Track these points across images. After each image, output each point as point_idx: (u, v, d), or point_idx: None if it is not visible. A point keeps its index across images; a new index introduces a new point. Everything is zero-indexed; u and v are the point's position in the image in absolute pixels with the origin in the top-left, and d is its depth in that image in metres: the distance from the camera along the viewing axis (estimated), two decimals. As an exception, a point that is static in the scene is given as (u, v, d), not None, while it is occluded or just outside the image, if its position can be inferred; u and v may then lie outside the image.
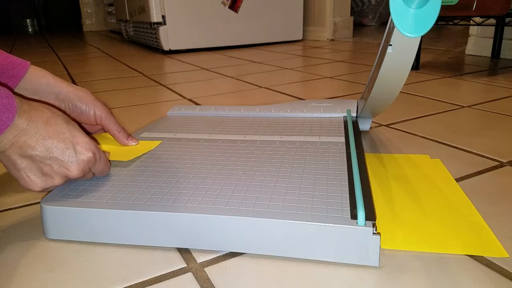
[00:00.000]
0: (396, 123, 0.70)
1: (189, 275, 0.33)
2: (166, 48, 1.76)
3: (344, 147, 0.49)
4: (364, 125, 0.67)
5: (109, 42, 2.45)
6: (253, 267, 0.33)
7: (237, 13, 1.85)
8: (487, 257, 0.34)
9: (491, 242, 0.36)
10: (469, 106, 0.79)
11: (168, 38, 1.75)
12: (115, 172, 0.44)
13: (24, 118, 0.35)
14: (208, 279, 0.32)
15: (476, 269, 0.32)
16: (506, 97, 0.85)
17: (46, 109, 0.38)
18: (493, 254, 0.34)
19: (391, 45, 0.43)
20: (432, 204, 0.42)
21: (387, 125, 0.69)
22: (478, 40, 1.39)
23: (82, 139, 0.38)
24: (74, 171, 0.38)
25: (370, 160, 0.54)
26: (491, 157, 0.54)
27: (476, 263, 0.33)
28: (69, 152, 0.37)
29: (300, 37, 2.05)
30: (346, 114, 0.63)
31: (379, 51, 0.50)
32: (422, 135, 0.63)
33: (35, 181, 0.37)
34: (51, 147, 0.36)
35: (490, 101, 0.82)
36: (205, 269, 0.34)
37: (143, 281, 0.32)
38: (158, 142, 0.53)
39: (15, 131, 0.35)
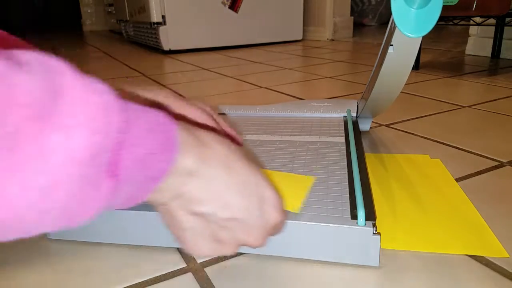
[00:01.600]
0: (396, 123, 0.70)
1: (189, 275, 0.33)
2: (166, 48, 1.75)
3: (344, 147, 0.49)
4: (364, 125, 0.66)
5: (109, 42, 2.45)
6: (253, 267, 0.33)
7: (237, 13, 1.85)
8: (487, 257, 0.34)
9: (491, 242, 0.36)
10: (469, 106, 0.79)
11: (168, 38, 1.74)
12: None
13: (192, 157, 0.24)
14: (208, 279, 0.32)
15: (476, 269, 0.32)
16: (506, 97, 0.85)
17: (219, 142, 0.26)
18: (493, 254, 0.34)
19: (392, 45, 0.43)
20: (432, 204, 0.42)
21: (387, 125, 0.69)
22: (478, 40, 1.39)
23: (270, 192, 0.27)
24: (257, 239, 0.27)
25: (370, 160, 0.54)
26: (491, 157, 0.54)
27: (476, 263, 0.33)
28: (256, 213, 0.26)
29: (300, 37, 2.05)
30: (346, 114, 0.63)
31: (380, 51, 0.50)
32: (422, 135, 0.63)
33: (203, 247, 0.27)
34: (232, 204, 0.26)
35: (490, 101, 0.82)
36: (205, 269, 0.34)
37: (143, 281, 0.32)
38: (312, 179, 0.41)
39: (180, 177, 0.24)
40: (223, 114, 0.68)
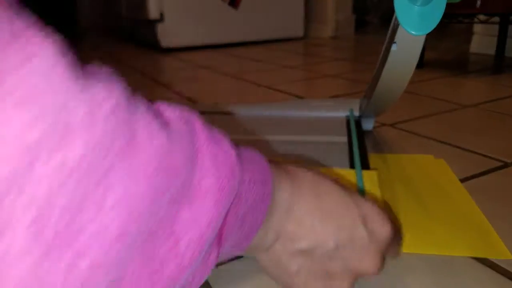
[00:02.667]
0: (400, 122, 0.69)
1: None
2: (164, 45, 1.75)
3: (347, 147, 0.48)
4: (367, 125, 0.66)
5: (106, 39, 2.45)
6: (251, 269, 0.33)
7: (237, 9, 1.84)
8: (492, 259, 0.33)
9: (495, 243, 0.35)
10: (473, 105, 0.78)
11: (167, 36, 1.74)
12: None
13: (287, 194, 0.23)
14: (206, 281, 0.32)
15: (480, 271, 0.32)
16: (511, 96, 0.84)
17: (301, 169, 0.25)
18: (497, 256, 0.34)
19: (395, 43, 0.42)
20: (436, 206, 0.41)
21: (390, 125, 0.68)
22: (482, 38, 1.37)
23: (370, 208, 0.25)
24: (372, 263, 0.24)
25: (373, 160, 0.53)
26: (495, 157, 0.53)
27: (481, 265, 0.33)
28: (362, 235, 0.24)
29: (302, 34, 2.04)
30: (348, 113, 0.62)
31: (383, 49, 0.50)
32: (426, 135, 0.63)
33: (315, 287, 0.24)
34: (334, 232, 0.23)
35: (495, 100, 0.81)
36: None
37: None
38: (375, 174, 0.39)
39: (278, 214, 0.22)
40: (229, 113, 0.67)
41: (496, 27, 1.29)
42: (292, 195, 0.23)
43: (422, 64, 1.17)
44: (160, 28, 1.72)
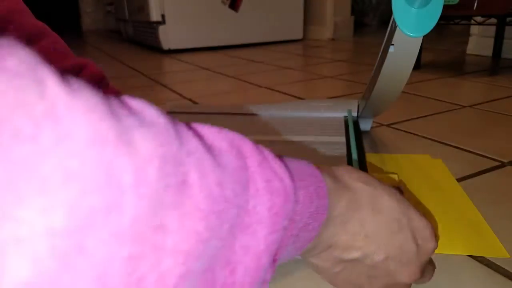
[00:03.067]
0: (397, 123, 0.70)
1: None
2: (165, 47, 1.75)
3: (345, 147, 0.49)
4: (365, 125, 0.66)
5: (108, 41, 2.45)
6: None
7: (237, 12, 1.84)
8: (488, 258, 0.34)
9: (492, 242, 0.35)
10: (470, 106, 0.79)
11: (168, 38, 1.74)
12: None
13: (341, 208, 0.23)
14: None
15: (477, 269, 0.32)
16: (508, 97, 0.84)
17: (361, 180, 0.25)
18: (494, 255, 0.34)
19: (393, 44, 0.42)
20: (433, 205, 0.42)
21: (388, 125, 0.69)
22: (479, 40, 1.38)
23: (421, 223, 0.25)
24: (411, 276, 0.25)
25: (371, 160, 0.53)
26: (492, 157, 0.54)
27: (477, 263, 0.33)
28: (411, 249, 0.24)
29: (301, 36, 2.04)
30: (347, 114, 0.63)
31: (381, 51, 0.50)
32: (423, 135, 0.63)
33: None
34: (385, 245, 0.24)
35: (491, 101, 0.82)
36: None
37: None
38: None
39: (330, 230, 0.23)
40: (228, 114, 0.68)
41: (493, 28, 1.30)
42: (348, 210, 0.23)
43: (419, 65, 1.18)
44: (161, 30, 1.73)
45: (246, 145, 0.18)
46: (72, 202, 0.11)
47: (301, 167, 0.21)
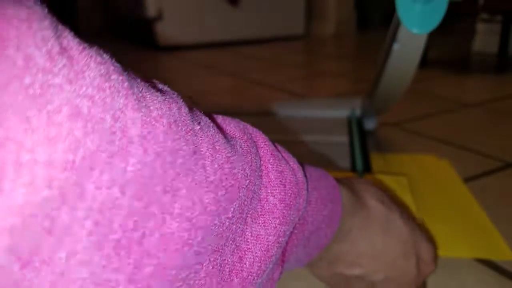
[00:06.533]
0: (402, 122, 0.69)
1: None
2: (163, 44, 1.74)
3: (348, 147, 0.48)
4: (369, 124, 0.65)
5: (104, 37, 2.45)
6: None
7: (237, 7, 1.83)
8: (495, 260, 0.33)
9: (498, 244, 0.35)
10: (476, 104, 0.78)
11: (165, 34, 1.73)
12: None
13: (353, 224, 0.23)
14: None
15: (483, 272, 0.32)
16: (514, 95, 0.83)
17: (376, 198, 0.24)
18: (500, 257, 0.33)
19: (397, 42, 0.41)
20: (438, 206, 0.41)
21: (392, 124, 0.68)
22: (485, 37, 1.37)
23: (426, 248, 0.26)
24: None
25: (375, 160, 0.53)
26: (499, 157, 0.53)
27: (483, 266, 0.33)
28: (412, 272, 0.25)
29: (303, 33, 2.03)
30: (350, 112, 0.62)
31: (385, 48, 0.49)
32: (428, 135, 0.62)
33: None
34: (388, 266, 0.24)
35: (498, 99, 0.81)
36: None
37: None
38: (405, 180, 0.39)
39: (338, 244, 0.23)
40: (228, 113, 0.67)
41: (499, 25, 1.28)
42: (361, 227, 0.23)
43: (425, 62, 1.16)
44: (159, 26, 1.72)
45: (259, 135, 0.18)
46: (76, 138, 0.11)
47: (317, 172, 0.21)
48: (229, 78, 1.14)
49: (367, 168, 0.43)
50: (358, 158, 0.43)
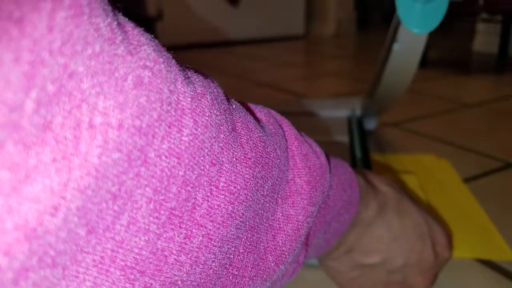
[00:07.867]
0: (402, 122, 0.69)
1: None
2: (163, 44, 1.73)
3: (348, 147, 0.48)
4: (369, 124, 0.65)
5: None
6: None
7: (237, 7, 1.83)
8: (495, 261, 0.33)
9: (499, 245, 0.35)
10: (476, 105, 0.78)
11: (165, 34, 1.73)
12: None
13: (370, 209, 0.23)
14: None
15: (483, 272, 0.32)
16: (514, 95, 0.83)
17: (387, 184, 0.25)
18: (501, 257, 0.33)
19: (398, 42, 0.41)
20: (439, 206, 0.41)
21: (392, 124, 0.68)
22: (485, 37, 1.37)
23: (440, 232, 0.26)
24: (426, 282, 0.25)
25: (376, 160, 0.53)
26: (499, 157, 0.53)
27: (484, 266, 0.32)
28: (429, 257, 0.25)
29: (303, 33, 2.03)
30: (350, 112, 0.62)
31: (385, 48, 0.49)
32: (428, 135, 0.62)
33: None
34: (406, 251, 0.24)
35: (498, 99, 0.81)
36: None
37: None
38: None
39: (357, 230, 0.23)
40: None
41: (499, 26, 1.28)
42: (375, 212, 0.23)
43: (425, 62, 1.16)
44: (159, 26, 1.72)
45: (283, 119, 0.18)
46: (142, 106, 0.11)
47: (335, 159, 0.22)
48: (229, 78, 1.13)
49: (367, 168, 0.43)
50: (358, 158, 0.43)
